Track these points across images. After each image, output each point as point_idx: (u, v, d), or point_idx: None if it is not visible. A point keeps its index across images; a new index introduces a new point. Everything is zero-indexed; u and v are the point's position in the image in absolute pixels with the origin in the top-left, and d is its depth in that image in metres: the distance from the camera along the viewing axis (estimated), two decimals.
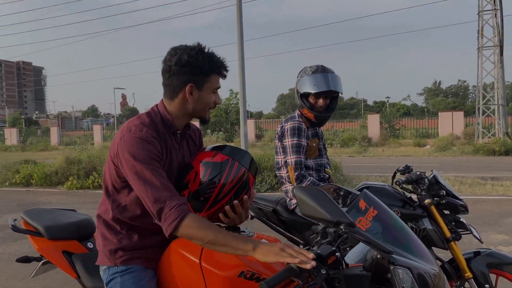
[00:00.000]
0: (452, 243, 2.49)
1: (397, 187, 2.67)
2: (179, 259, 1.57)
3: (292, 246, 1.36)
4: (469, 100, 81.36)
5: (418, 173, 2.60)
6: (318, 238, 1.46)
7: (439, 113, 27.19)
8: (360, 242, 1.77)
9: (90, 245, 2.08)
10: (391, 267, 1.33)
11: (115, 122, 50.14)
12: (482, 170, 11.76)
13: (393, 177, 2.75)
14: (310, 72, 2.77)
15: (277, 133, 2.91)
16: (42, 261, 2.15)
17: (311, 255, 1.29)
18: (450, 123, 24.82)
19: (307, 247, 1.49)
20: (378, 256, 1.38)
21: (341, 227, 1.34)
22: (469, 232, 2.57)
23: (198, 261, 1.50)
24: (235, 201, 1.63)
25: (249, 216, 2.97)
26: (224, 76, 1.72)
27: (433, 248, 2.51)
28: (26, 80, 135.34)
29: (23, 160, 13.42)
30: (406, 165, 2.76)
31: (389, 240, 1.42)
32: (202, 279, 1.49)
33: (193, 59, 1.61)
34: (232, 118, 26.78)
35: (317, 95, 2.77)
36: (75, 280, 1.99)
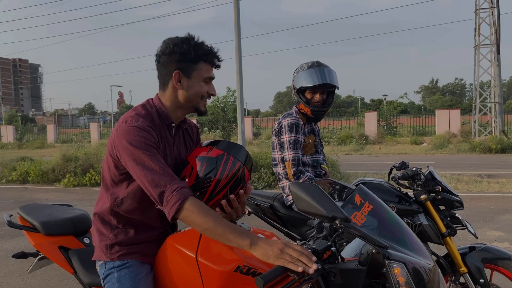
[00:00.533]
0: (448, 238, 2.51)
1: (393, 183, 2.68)
2: (175, 254, 1.57)
3: (291, 245, 1.35)
4: (466, 98, 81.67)
5: (414, 169, 2.61)
6: (314, 233, 1.46)
7: (436, 111, 27.26)
8: (357, 238, 1.78)
9: (86, 240, 2.08)
10: (386, 262, 1.34)
11: (112, 119, 49.98)
12: (479, 168, 11.81)
13: (390, 173, 2.76)
14: (306, 67, 2.80)
15: (274, 129, 2.92)
16: (39, 257, 2.15)
17: (315, 266, 1.27)
18: (447, 121, 24.88)
19: (303, 241, 1.50)
20: (373, 250, 1.39)
21: (336, 222, 1.34)
22: (465, 227, 2.59)
23: (194, 256, 1.51)
24: (231, 196, 1.63)
25: (246, 212, 2.99)
26: (215, 65, 1.69)
27: (428, 243, 2.53)
28: (22, 78, 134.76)
29: (19, 157, 13.39)
30: (402, 161, 2.77)
31: (384, 234, 1.43)
32: (198, 274, 1.49)
33: (178, 47, 1.62)
34: (229, 116, 26.74)
35: (314, 90, 2.78)
36: (72, 276, 1.99)
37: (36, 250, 2.11)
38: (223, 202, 1.62)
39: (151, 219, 1.70)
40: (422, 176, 2.57)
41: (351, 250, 1.97)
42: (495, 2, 21.79)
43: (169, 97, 1.69)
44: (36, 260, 2.16)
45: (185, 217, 1.47)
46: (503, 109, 23.39)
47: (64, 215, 2.14)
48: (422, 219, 2.53)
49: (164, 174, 1.50)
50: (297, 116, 2.83)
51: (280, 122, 2.86)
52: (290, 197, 2.84)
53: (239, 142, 10.48)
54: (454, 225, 2.57)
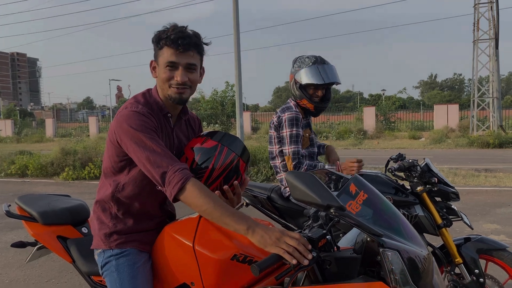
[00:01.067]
0: (443, 229, 2.53)
1: (390, 175, 2.70)
2: (173, 243, 1.59)
3: (288, 233, 1.36)
4: (465, 93, 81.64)
5: (410, 160, 2.63)
6: (310, 222, 1.48)
7: (434, 106, 27.29)
8: (353, 229, 1.80)
9: (84, 230, 2.10)
10: (381, 250, 1.35)
11: (111, 114, 49.93)
12: (476, 162, 11.84)
13: (386, 165, 2.78)
14: (310, 63, 2.78)
15: (273, 122, 2.91)
16: (37, 246, 2.17)
17: (310, 256, 1.29)
18: (445, 116, 24.91)
19: (299, 230, 1.52)
20: (368, 238, 1.41)
21: (332, 210, 1.36)
22: (460, 218, 2.61)
23: (191, 245, 1.52)
24: (225, 186, 1.65)
25: (244, 203, 3.00)
26: (179, 49, 1.57)
27: (424, 234, 2.55)
28: (20, 72, 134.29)
29: (18, 151, 13.39)
30: (399, 153, 2.79)
31: (379, 223, 1.44)
32: (195, 262, 1.51)
33: (154, 36, 1.63)
34: (228, 111, 26.69)
35: (317, 86, 2.79)
36: (71, 267, 2.01)
37: (35, 240, 2.13)
38: (217, 192, 1.64)
39: (151, 206, 1.71)
40: (418, 168, 2.59)
41: (347, 241, 1.98)
42: None
43: (157, 87, 1.71)
44: (35, 249, 2.18)
45: (186, 197, 1.48)
46: (501, 104, 23.41)
47: (62, 205, 2.15)
48: (418, 211, 2.54)
49: (166, 156, 1.52)
50: (297, 110, 2.85)
51: (279, 116, 2.85)
52: (288, 189, 2.85)
53: (238, 136, 10.50)
54: (450, 217, 2.58)
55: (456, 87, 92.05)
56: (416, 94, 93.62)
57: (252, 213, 2.82)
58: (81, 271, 1.91)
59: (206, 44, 1.68)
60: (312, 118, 3.08)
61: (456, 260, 2.50)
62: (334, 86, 2.92)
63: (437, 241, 2.58)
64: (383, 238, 1.37)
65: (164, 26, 1.63)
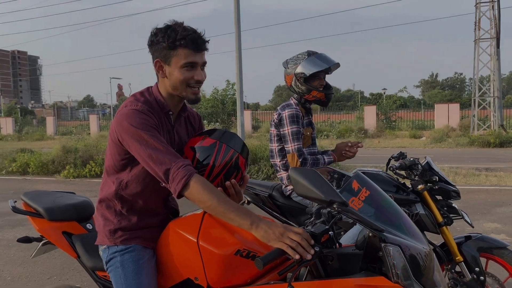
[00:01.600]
0: (444, 227, 2.55)
1: (391, 173, 2.72)
2: (177, 239, 1.61)
3: (291, 228, 1.38)
4: (466, 92, 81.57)
5: (411, 159, 2.65)
6: (312, 219, 1.50)
7: (435, 105, 27.28)
8: (354, 227, 1.82)
9: (89, 226, 2.12)
10: (382, 245, 1.37)
11: (111, 112, 49.93)
12: (477, 162, 11.85)
13: (388, 163, 2.79)
14: (306, 56, 2.83)
15: (273, 120, 2.93)
16: (42, 242, 2.19)
17: (312, 251, 1.31)
18: (446, 115, 24.91)
19: (301, 227, 1.53)
20: (370, 234, 1.42)
21: (334, 206, 1.37)
22: (461, 217, 2.63)
23: (195, 240, 1.54)
24: (227, 182, 1.66)
25: (246, 201, 3.02)
26: (198, 49, 1.61)
27: (425, 232, 2.56)
28: (21, 70, 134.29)
29: (19, 149, 13.42)
30: (400, 151, 2.81)
31: (381, 219, 1.46)
32: (199, 258, 1.53)
33: (157, 36, 1.62)
34: (228, 109, 26.72)
35: (320, 76, 2.85)
36: (73, 265, 2.04)
37: (40, 235, 2.15)
38: (219, 189, 1.66)
39: (154, 203, 1.73)
40: (419, 166, 2.61)
41: (348, 239, 2.00)
42: None
43: (161, 86, 1.71)
44: (40, 245, 2.21)
45: (190, 193, 1.50)
46: (502, 104, 23.41)
47: (67, 201, 2.17)
48: (419, 209, 2.56)
49: (168, 153, 1.53)
50: (297, 108, 2.86)
51: (280, 113, 2.87)
52: (289, 187, 2.87)
53: (239, 134, 10.51)
54: (451, 215, 2.60)
55: (457, 86, 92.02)
56: (417, 93, 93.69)
57: (254, 211, 2.84)
58: (85, 266, 1.93)
59: (207, 41, 1.69)
60: (314, 117, 3.10)
61: (456, 258, 2.52)
62: (334, 87, 2.96)
63: (437, 239, 2.60)
64: (384, 233, 1.39)
65: (165, 24, 1.64)
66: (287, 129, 2.80)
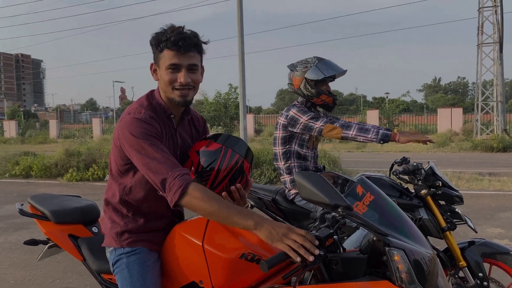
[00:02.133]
0: (447, 232, 2.55)
1: (394, 178, 2.72)
2: (183, 242, 1.62)
3: (295, 230, 1.38)
4: (468, 97, 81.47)
5: (415, 164, 2.65)
6: (316, 223, 1.51)
7: (438, 110, 27.22)
8: (357, 231, 1.82)
9: (95, 229, 2.14)
10: (387, 249, 1.38)
11: (114, 115, 50.05)
12: (480, 166, 11.82)
13: (391, 168, 2.80)
14: (316, 61, 2.87)
15: (279, 123, 2.92)
16: (49, 244, 2.21)
17: (317, 252, 1.31)
18: (449, 119, 24.86)
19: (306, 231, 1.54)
20: (374, 238, 1.43)
21: (339, 210, 1.39)
22: (464, 222, 2.63)
23: (200, 244, 1.55)
24: (232, 187, 1.68)
25: (249, 205, 3.04)
26: (181, 50, 1.57)
27: (428, 237, 2.57)
28: (24, 73, 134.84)
29: (22, 152, 13.45)
30: (404, 156, 2.81)
31: (385, 224, 1.47)
32: (204, 261, 1.54)
33: (152, 38, 1.64)
34: (231, 113, 26.73)
35: (326, 81, 2.91)
36: (76, 268, 2.05)
37: (47, 238, 2.17)
38: (224, 194, 1.67)
39: (159, 207, 1.74)
40: (422, 171, 2.61)
41: (351, 243, 2.01)
42: (498, 1, 21.73)
43: (160, 89, 1.72)
44: (46, 247, 2.23)
45: (188, 202, 1.49)
46: (505, 108, 23.37)
47: (73, 204, 2.20)
48: (423, 214, 2.57)
49: (166, 162, 1.53)
50: (303, 106, 2.92)
51: (287, 114, 2.87)
52: (292, 191, 2.88)
53: (242, 138, 10.53)
54: (454, 220, 2.61)
55: (460, 90, 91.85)
56: (419, 98, 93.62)
57: None
58: (91, 269, 1.95)
59: (205, 43, 1.68)
60: None
61: (460, 263, 2.51)
62: (336, 90, 2.99)
63: (441, 245, 2.60)
64: (389, 238, 1.40)
65: (161, 27, 1.64)
66: (304, 119, 2.80)
